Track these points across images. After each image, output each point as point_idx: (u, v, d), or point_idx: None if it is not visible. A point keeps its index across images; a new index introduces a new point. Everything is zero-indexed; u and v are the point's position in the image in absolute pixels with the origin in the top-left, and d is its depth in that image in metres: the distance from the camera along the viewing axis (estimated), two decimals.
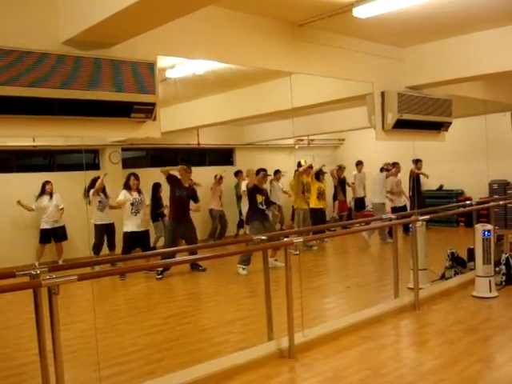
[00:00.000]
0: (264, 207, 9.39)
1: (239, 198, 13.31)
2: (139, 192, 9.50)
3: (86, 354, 5.13)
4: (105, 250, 9.77)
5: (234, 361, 4.70)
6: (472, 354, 4.85)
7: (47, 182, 10.17)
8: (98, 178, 9.67)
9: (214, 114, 9.60)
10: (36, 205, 10.04)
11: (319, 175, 12.03)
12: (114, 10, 3.55)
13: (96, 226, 9.69)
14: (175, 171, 9.42)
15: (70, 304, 7.12)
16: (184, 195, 9.39)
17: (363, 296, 7.36)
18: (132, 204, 9.28)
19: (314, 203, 11.78)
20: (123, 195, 9.31)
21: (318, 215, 11.62)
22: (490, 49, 6.41)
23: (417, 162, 11.74)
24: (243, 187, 11.67)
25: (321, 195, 11.88)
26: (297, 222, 11.09)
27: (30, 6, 4.00)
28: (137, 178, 9.47)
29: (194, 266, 9.45)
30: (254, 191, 9.36)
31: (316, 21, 5.60)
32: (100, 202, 9.71)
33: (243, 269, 9.11)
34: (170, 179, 9.37)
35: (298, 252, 8.42)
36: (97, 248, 9.64)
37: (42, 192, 10.10)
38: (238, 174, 13.59)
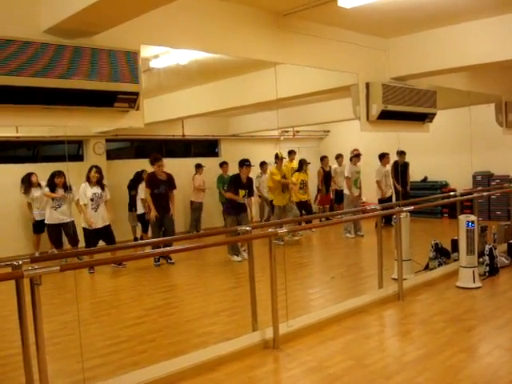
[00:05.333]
0: (245, 201, 9.39)
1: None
2: (101, 186, 9.07)
3: (69, 346, 5.11)
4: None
5: (218, 351, 4.70)
6: (455, 344, 4.88)
7: (31, 174, 10.03)
8: (57, 174, 9.37)
9: (199, 104, 9.54)
10: (30, 197, 9.94)
11: (302, 166, 11.94)
12: None
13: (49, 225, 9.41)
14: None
15: (53, 296, 7.09)
16: (163, 190, 9.29)
17: (347, 286, 7.39)
18: (92, 199, 8.88)
19: (297, 196, 11.72)
20: (82, 192, 8.87)
21: (303, 208, 11.59)
22: (475, 40, 6.41)
23: (400, 153, 11.82)
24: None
25: (303, 187, 11.79)
26: (278, 215, 11.02)
27: None
28: (99, 171, 9.06)
29: (160, 260, 9.33)
30: (236, 185, 9.35)
31: (301, 11, 5.56)
32: (54, 199, 9.24)
33: (237, 255, 9.28)
34: (148, 181, 9.36)
35: (282, 242, 8.46)
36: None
37: (30, 184, 9.95)
38: (222, 165, 13.33)
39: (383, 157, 11.67)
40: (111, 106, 4.34)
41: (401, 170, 11.95)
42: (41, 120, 4.16)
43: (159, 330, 5.78)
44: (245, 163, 9.35)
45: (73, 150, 12.01)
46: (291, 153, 13.13)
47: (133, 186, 11.14)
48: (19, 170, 10.67)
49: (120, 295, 7.73)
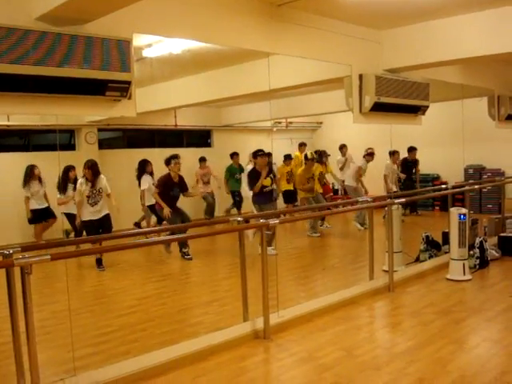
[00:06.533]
0: (271, 188, 9.19)
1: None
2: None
3: (60, 335, 5.11)
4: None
5: (209, 341, 4.72)
6: (445, 336, 4.91)
7: (33, 166, 9.76)
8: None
9: (192, 94, 9.49)
10: (29, 191, 9.68)
11: (322, 158, 11.86)
12: None
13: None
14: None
15: (44, 285, 7.07)
16: (176, 193, 9.05)
17: (338, 278, 7.41)
18: (88, 197, 8.32)
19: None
20: (78, 187, 8.40)
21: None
22: (468, 33, 6.41)
23: (410, 150, 12.09)
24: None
25: (321, 180, 11.62)
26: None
27: None
28: (89, 166, 8.36)
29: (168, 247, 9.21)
30: (253, 177, 9.19)
31: (295, 1, 5.53)
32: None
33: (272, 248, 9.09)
34: (161, 184, 9.05)
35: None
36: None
37: (30, 177, 9.73)
38: (233, 155, 13.09)
39: (393, 154, 11.65)
40: (103, 94, 4.30)
41: (410, 166, 12.26)
42: (32, 108, 4.13)
43: (151, 320, 5.79)
44: (258, 153, 9.24)
45: (64, 139, 11.93)
46: (302, 145, 13.20)
47: (138, 176, 10.79)
48: (10, 158, 10.60)
49: (112, 285, 7.72)
